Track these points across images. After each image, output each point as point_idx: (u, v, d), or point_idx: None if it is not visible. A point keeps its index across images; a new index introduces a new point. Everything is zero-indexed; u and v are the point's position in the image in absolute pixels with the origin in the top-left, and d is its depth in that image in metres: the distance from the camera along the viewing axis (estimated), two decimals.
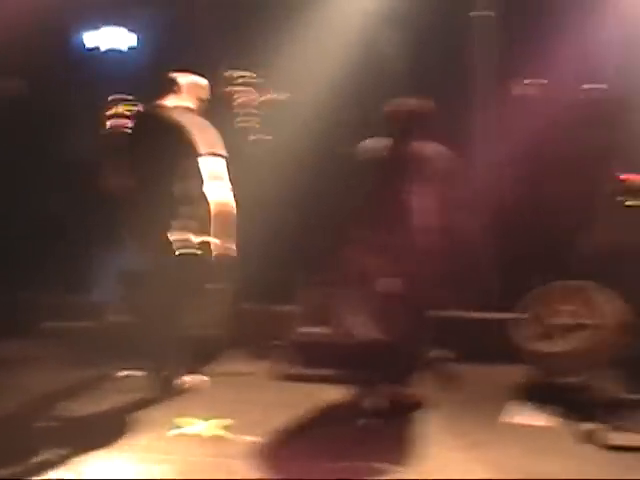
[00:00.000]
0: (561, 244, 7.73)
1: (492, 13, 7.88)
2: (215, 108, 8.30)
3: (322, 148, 8.04)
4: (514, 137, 7.63)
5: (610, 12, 7.52)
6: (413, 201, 6.29)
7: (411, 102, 6.52)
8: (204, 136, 6.39)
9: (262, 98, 8.88)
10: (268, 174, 7.93)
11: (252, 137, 8.72)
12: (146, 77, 8.65)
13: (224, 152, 6.40)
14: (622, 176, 4.55)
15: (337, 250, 7.44)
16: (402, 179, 6.36)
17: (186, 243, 6.39)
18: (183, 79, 6.76)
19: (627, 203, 4.53)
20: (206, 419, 6.01)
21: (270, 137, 8.62)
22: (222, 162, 6.39)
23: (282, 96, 8.82)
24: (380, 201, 6.41)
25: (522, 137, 7.59)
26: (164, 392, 6.54)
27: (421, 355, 6.57)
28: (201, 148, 6.33)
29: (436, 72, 8.09)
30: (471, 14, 7.93)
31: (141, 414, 6.14)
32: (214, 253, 6.38)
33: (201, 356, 7.13)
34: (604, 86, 8.17)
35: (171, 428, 5.88)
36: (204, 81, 6.85)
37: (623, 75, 8.20)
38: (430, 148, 6.42)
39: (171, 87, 6.72)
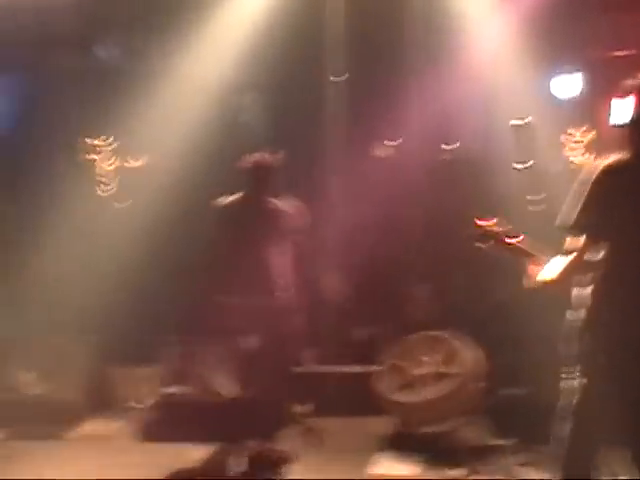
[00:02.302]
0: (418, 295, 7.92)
1: (347, 77, 8.02)
2: (75, 176, 8.28)
3: (182, 210, 8.00)
4: (370, 196, 7.76)
5: (465, 74, 7.74)
6: (271, 258, 6.39)
7: (266, 156, 6.61)
8: None
9: (121, 164, 8.81)
10: (131, 238, 7.85)
11: (115, 204, 8.63)
12: None
13: None
14: (480, 222, 4.63)
15: (199, 309, 7.42)
16: (260, 233, 6.44)
17: None
18: None
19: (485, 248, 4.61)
20: None
21: (130, 203, 8.53)
22: None
23: (141, 162, 8.78)
24: (240, 258, 6.42)
25: (378, 196, 7.73)
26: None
27: (284, 411, 6.53)
28: None
29: (294, 134, 8.19)
30: (331, 79, 8.05)
31: None
32: None
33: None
34: (459, 146, 8.39)
35: None
36: None
37: (479, 136, 8.46)
38: (286, 203, 6.57)
39: None
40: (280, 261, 6.48)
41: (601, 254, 4.09)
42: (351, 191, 7.99)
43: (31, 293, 7.97)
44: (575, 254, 4.14)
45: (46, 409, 6.98)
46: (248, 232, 6.47)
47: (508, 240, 4.52)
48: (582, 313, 4.17)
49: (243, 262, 6.41)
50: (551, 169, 7.35)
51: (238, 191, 6.67)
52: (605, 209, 4.04)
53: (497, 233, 4.56)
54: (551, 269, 4.28)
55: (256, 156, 6.65)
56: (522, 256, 4.49)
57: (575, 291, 4.19)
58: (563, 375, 4.28)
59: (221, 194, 6.75)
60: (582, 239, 4.10)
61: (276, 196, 6.58)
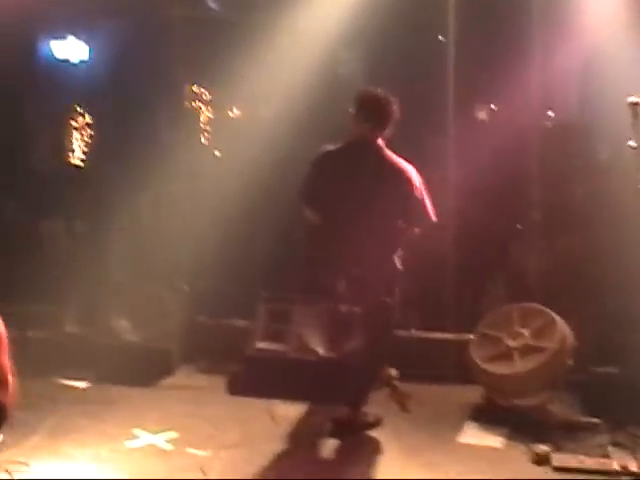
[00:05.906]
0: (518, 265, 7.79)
1: (451, 38, 7.89)
2: (179, 123, 8.36)
3: (280, 164, 7.98)
4: (475, 160, 7.62)
5: (571, 40, 7.56)
6: (378, 217, 5.81)
7: (386, 94, 5.92)
8: None
9: (224, 114, 8.88)
10: (227, 189, 7.90)
11: (215, 152, 8.71)
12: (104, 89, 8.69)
13: None
14: None
15: (296, 266, 7.42)
16: (367, 189, 5.81)
17: None
18: None
19: None
20: (156, 432, 5.94)
21: (230, 153, 8.59)
22: None
23: (243, 112, 8.84)
24: (343, 213, 5.89)
25: (482, 161, 7.59)
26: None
27: (377, 375, 6.50)
28: None
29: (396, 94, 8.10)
30: (439, 38, 7.93)
31: (94, 425, 6.04)
32: None
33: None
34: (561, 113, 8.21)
35: (125, 440, 5.82)
36: None
37: (582, 102, 8.26)
38: (401, 161, 5.93)
39: None
40: (389, 225, 5.87)
41: None
42: (457, 155, 7.85)
43: (129, 239, 8.16)
44: None
45: (140, 356, 7.10)
46: (353, 184, 5.83)
47: None
48: None
49: (348, 217, 5.84)
50: None
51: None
52: None
53: None
54: None
55: (372, 89, 5.97)
56: None
57: None
58: None
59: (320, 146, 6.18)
60: None
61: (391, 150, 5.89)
